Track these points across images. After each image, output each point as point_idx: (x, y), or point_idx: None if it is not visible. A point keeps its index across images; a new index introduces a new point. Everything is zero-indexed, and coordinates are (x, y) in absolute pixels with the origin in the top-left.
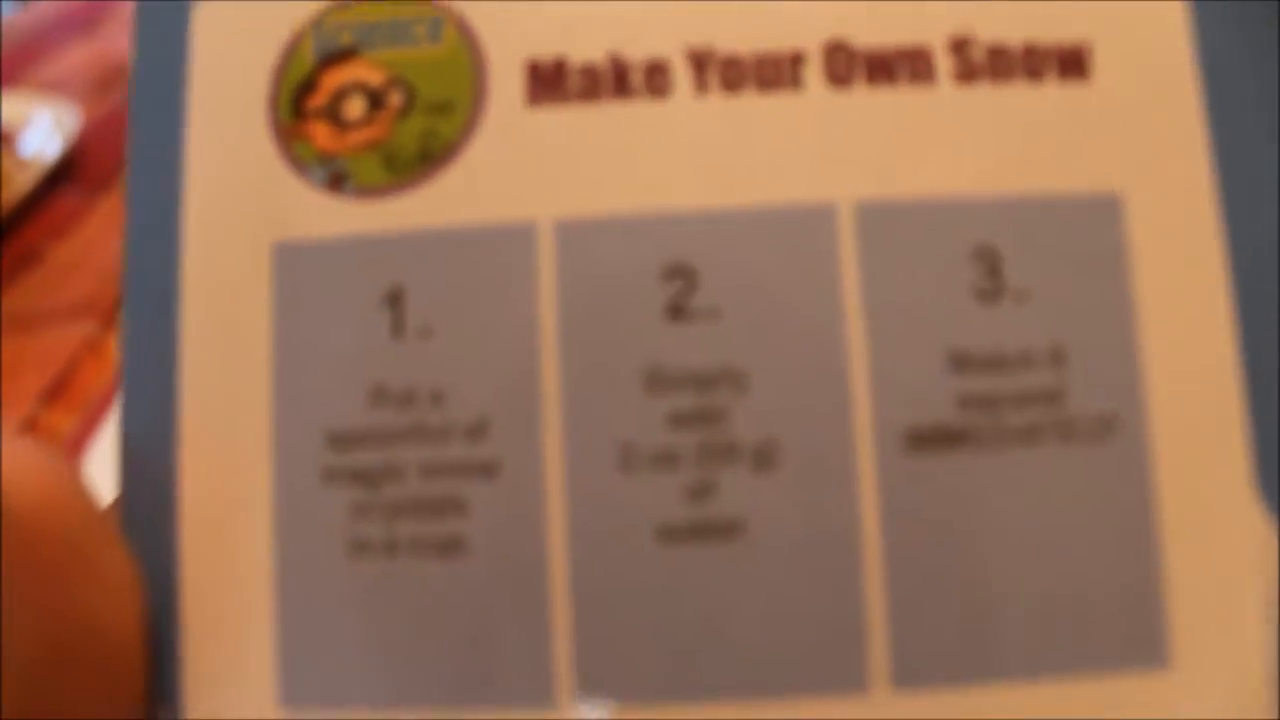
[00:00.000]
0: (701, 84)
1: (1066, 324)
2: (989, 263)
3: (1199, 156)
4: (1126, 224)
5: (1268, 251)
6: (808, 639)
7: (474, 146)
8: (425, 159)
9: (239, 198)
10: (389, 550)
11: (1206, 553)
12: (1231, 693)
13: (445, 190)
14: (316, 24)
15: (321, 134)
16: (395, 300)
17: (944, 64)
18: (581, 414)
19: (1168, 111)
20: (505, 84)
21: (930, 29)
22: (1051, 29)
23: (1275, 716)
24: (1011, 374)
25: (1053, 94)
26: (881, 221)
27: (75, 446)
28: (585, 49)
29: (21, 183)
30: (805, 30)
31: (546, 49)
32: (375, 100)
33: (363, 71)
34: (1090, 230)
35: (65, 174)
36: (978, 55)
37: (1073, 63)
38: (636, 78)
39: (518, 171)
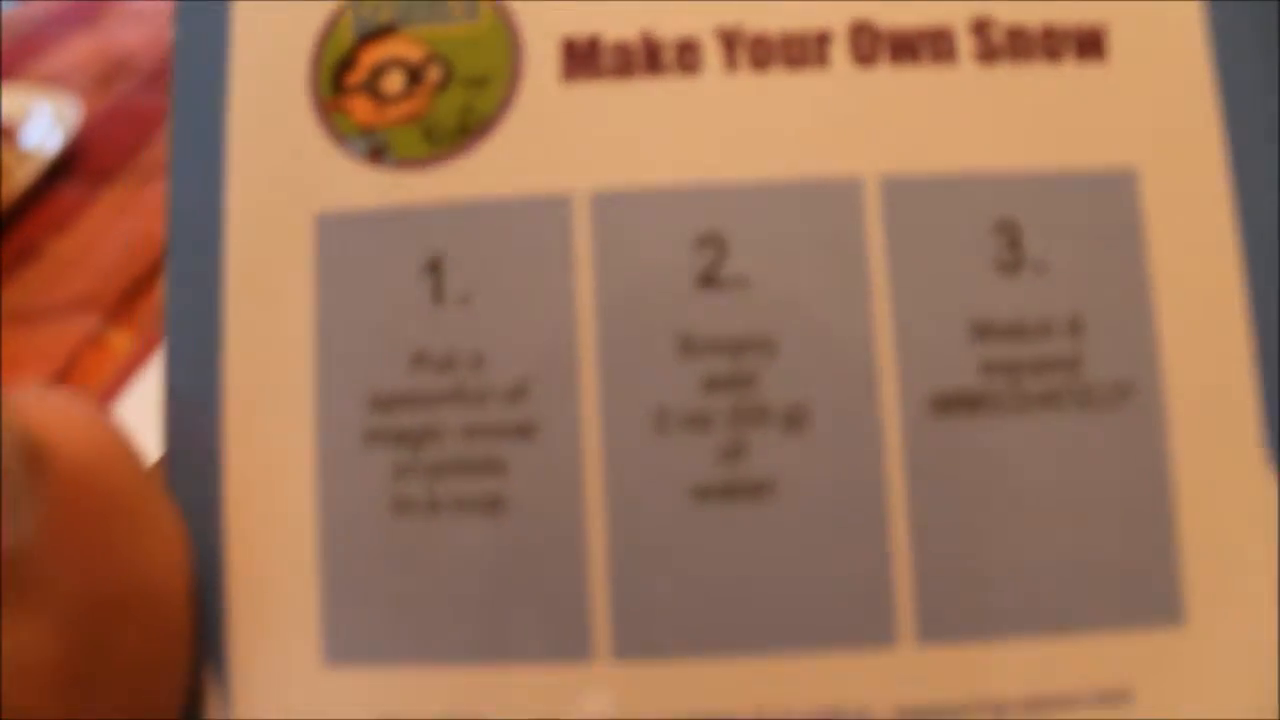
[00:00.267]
0: (731, 62)
1: (1084, 294)
2: (1009, 235)
3: (1212, 133)
4: (1142, 198)
5: (1277, 225)
6: (837, 595)
7: (511, 120)
8: (463, 131)
9: (282, 170)
10: (430, 509)
11: (1218, 514)
12: (1244, 648)
13: (483, 162)
14: (355, 2)
15: (361, 108)
16: (435, 268)
17: (965, 44)
18: (617, 378)
19: (1181, 90)
20: (541, 60)
21: (952, 11)
22: (1069, 11)
23: None
24: (1031, 342)
25: (1071, 74)
26: (906, 195)
27: None
28: (619, 28)
29: (22, 176)
30: (831, 11)
31: (581, 28)
32: (414, 75)
33: (401, 48)
34: (1107, 204)
35: (66, 168)
36: (998, 36)
37: (1090, 44)
38: (668, 55)
39: (554, 145)
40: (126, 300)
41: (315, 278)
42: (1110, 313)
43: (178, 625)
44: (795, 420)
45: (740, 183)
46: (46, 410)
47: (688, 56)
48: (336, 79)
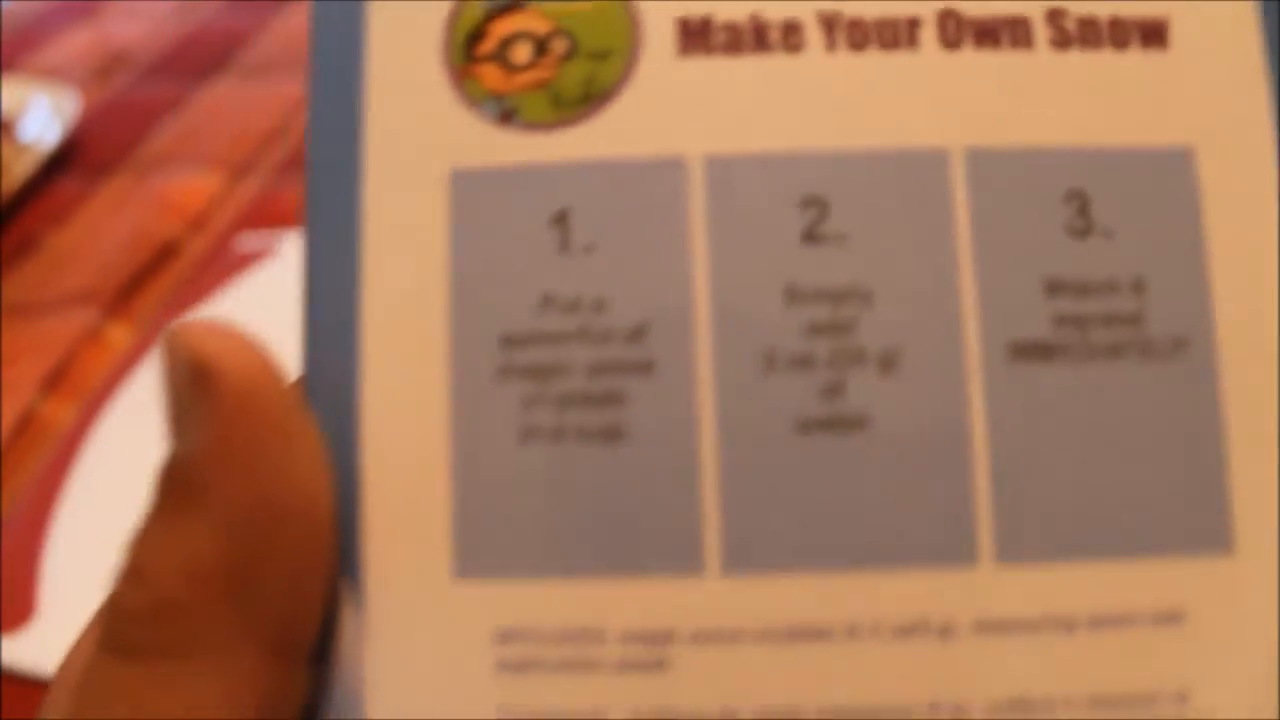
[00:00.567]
0: (831, 42)
1: (1146, 258)
2: (1079, 204)
3: (1263, 115)
4: (1198, 174)
5: None
6: (924, 518)
7: (630, 89)
8: (587, 99)
9: (418, 131)
10: (556, 437)
11: (1264, 455)
12: None
13: (605, 127)
14: None
15: (491, 75)
16: (561, 220)
17: (1041, 32)
18: (729, 322)
19: (1235, 76)
20: (658, 37)
21: (1030, 3)
22: (1134, 5)
23: None
24: (1098, 299)
25: (1135, 60)
26: (987, 166)
27: (74, 436)
28: (729, 11)
29: (20, 169)
30: (921, 0)
31: (694, 9)
32: (540, 47)
33: (529, 22)
34: (1167, 178)
35: (64, 161)
36: (1070, 25)
37: (1153, 33)
38: (774, 35)
39: (670, 112)
40: (125, 294)
41: (449, 228)
42: (1169, 275)
43: (325, 535)
44: (888, 363)
45: (839, 151)
46: (211, 336)
47: (792, 37)
48: (468, 49)
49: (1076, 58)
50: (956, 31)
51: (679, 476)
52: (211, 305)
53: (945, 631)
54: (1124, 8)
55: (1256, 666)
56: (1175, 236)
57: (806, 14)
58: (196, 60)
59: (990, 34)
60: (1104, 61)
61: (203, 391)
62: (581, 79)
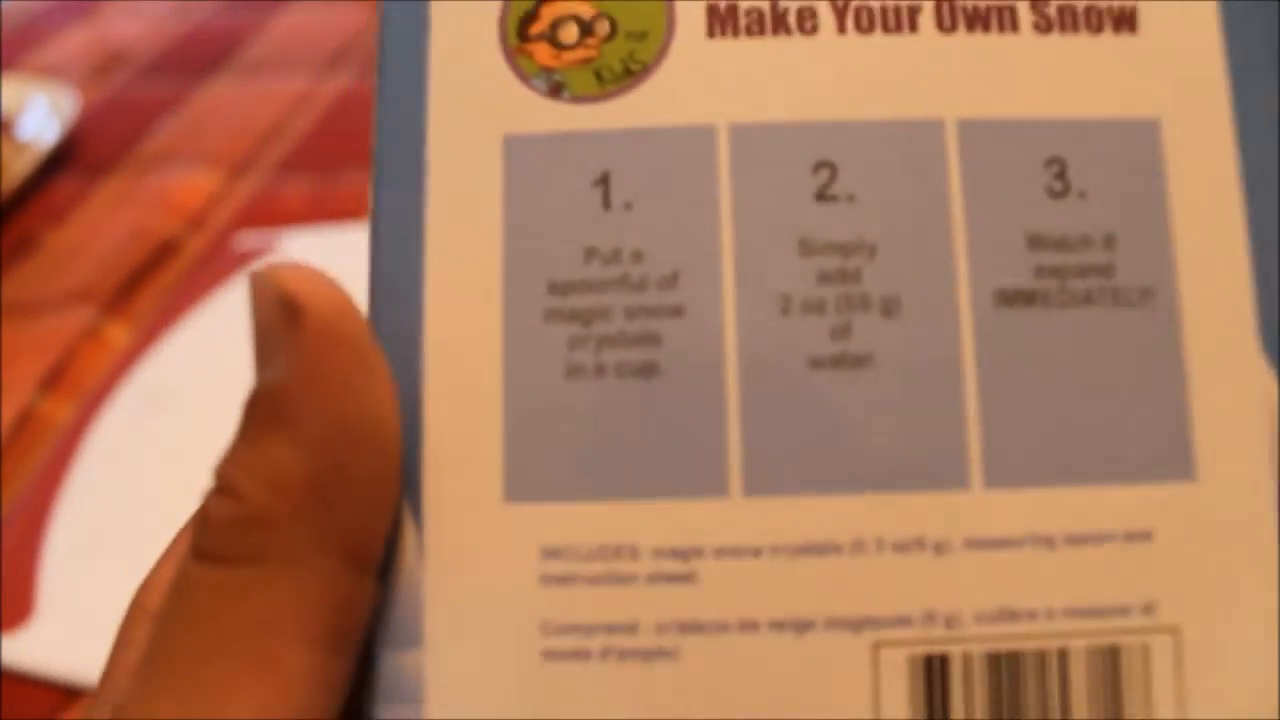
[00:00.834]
0: (841, 25)
1: (1117, 217)
2: (1058, 168)
3: (1220, 91)
4: (1163, 142)
5: (1271, 163)
6: (922, 446)
7: (665, 66)
8: (627, 74)
9: (476, 101)
10: (598, 373)
11: (1221, 393)
12: (1244, 502)
13: (643, 99)
14: None
15: (542, 53)
16: (604, 181)
17: (1026, 17)
18: (750, 270)
19: (1197, 57)
20: (689, 20)
21: None
22: None
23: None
24: (1074, 252)
25: (1108, 42)
26: (977, 135)
27: (73, 435)
28: None
29: (19, 168)
30: None
31: None
32: (586, 28)
33: (575, 6)
34: (1136, 146)
35: (63, 159)
36: (1051, 11)
37: (1123, 19)
38: (791, 19)
39: (700, 86)
40: (123, 293)
41: (503, 187)
42: (1137, 231)
43: (394, 455)
44: (889, 307)
45: (848, 121)
46: (297, 275)
47: (807, 20)
48: (521, 29)
49: (1056, 40)
50: (951, 16)
51: (706, 409)
52: (211, 303)
53: (940, 548)
54: None
55: (1218, 580)
56: (1143, 197)
57: (820, 1)
58: (195, 59)
59: (981, 19)
60: (1080, 43)
61: (291, 324)
62: (622, 56)
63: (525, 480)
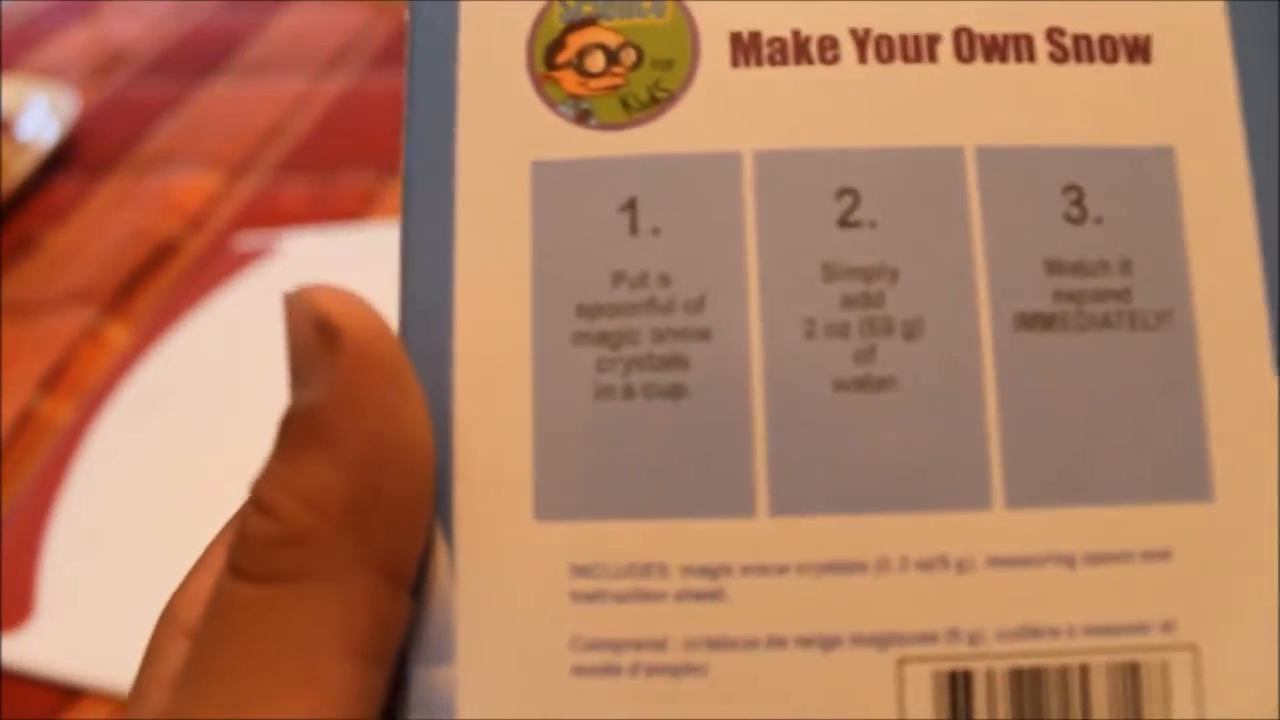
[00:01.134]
0: (862, 55)
1: (1133, 242)
2: (1075, 195)
3: (1233, 119)
4: (1178, 169)
5: None
6: (944, 467)
7: (691, 94)
8: (654, 102)
9: (505, 127)
10: (626, 395)
11: (1238, 414)
12: (1263, 520)
13: (669, 126)
14: (561, 2)
15: (569, 80)
16: (631, 206)
17: (1042, 47)
18: (775, 295)
19: (1210, 85)
20: (714, 49)
21: (1032, 22)
22: (1122, 24)
23: None
24: (1092, 277)
25: (1123, 71)
26: (996, 162)
27: (73, 435)
28: (774, 27)
29: (19, 168)
30: (939, 20)
31: (745, 26)
32: (612, 57)
33: (601, 35)
34: (1151, 173)
35: (63, 160)
36: (1067, 42)
37: (1138, 49)
38: (813, 49)
39: (725, 114)
40: (123, 293)
41: (531, 212)
42: (1153, 256)
43: (428, 474)
44: (912, 331)
45: (870, 148)
46: (332, 297)
47: (828, 50)
48: (548, 58)
49: (1072, 69)
50: (969, 46)
51: (733, 430)
52: (211, 304)
53: (962, 566)
54: (1113, 26)
55: (1235, 598)
56: (1158, 223)
57: (841, 30)
58: (195, 59)
59: (998, 49)
60: (1096, 72)
61: (328, 346)
62: (648, 85)
63: (555, 499)
